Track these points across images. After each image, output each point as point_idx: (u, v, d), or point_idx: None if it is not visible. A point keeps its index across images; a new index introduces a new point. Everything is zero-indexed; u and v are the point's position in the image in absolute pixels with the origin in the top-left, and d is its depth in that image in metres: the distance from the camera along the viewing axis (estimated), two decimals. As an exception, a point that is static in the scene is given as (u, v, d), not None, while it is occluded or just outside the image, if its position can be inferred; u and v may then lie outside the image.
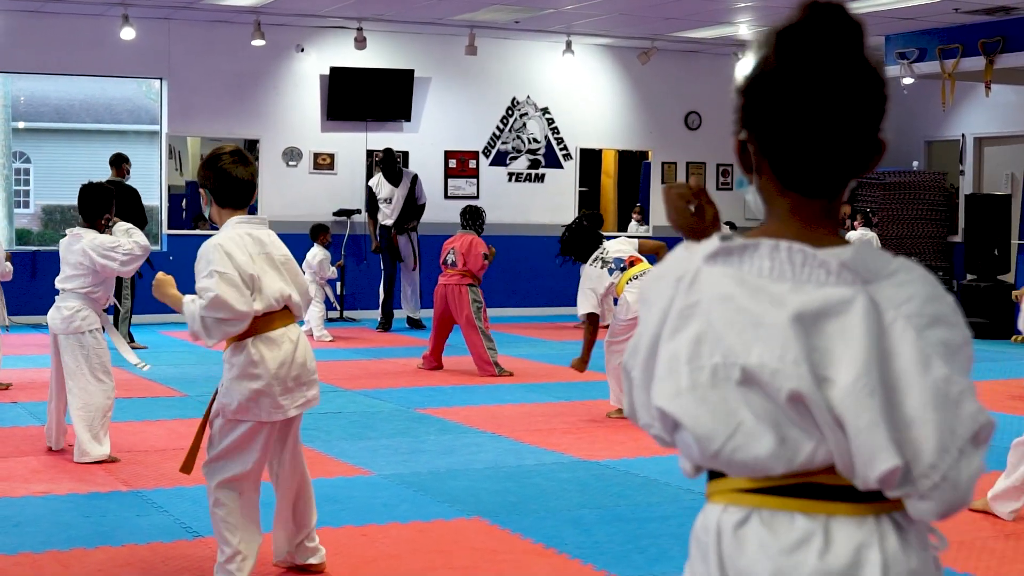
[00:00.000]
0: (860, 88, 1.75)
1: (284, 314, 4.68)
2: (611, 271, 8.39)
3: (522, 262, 16.81)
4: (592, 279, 8.44)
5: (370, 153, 16.05)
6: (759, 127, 1.80)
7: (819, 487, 1.75)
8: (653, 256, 8.61)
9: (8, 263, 9.78)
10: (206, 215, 4.78)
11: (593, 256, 8.53)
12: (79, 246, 7.03)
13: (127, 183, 12.60)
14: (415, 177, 14.58)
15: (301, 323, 5.21)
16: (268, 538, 5.01)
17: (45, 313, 13.56)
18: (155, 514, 5.93)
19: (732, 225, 16.36)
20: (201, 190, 4.75)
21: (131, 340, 12.55)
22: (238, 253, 4.56)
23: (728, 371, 1.74)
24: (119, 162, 12.79)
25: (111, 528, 5.68)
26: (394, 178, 14.42)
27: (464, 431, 8.20)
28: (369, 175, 15.84)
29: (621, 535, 5.64)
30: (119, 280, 12.37)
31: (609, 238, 8.83)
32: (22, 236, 24.54)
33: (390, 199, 14.39)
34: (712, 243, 1.81)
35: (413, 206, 14.48)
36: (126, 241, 7.08)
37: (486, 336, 10.82)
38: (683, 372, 1.77)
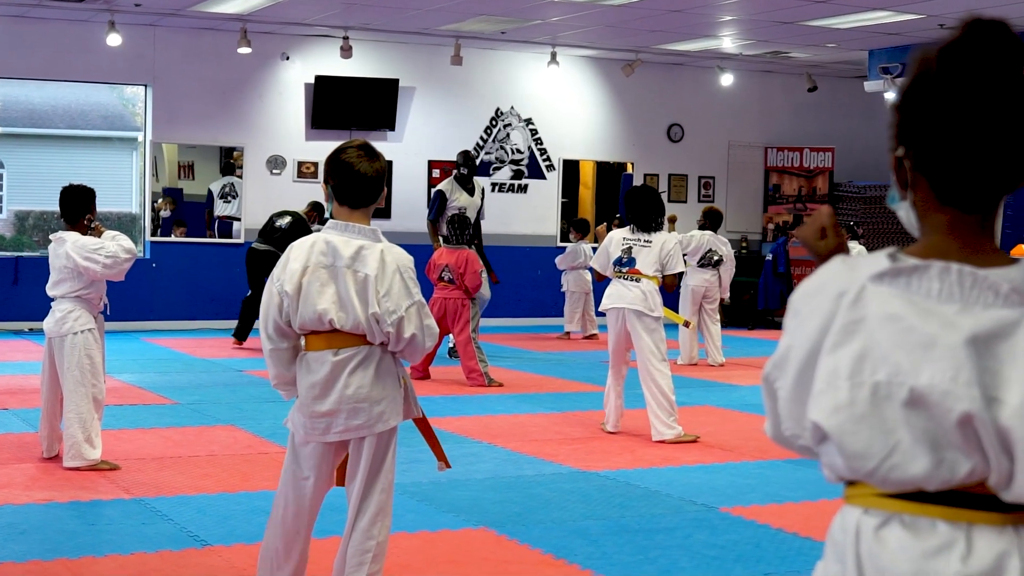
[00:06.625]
0: (1020, 103, 1.78)
1: (334, 336, 4.21)
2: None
3: (504, 273, 16.76)
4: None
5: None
6: (918, 141, 1.83)
7: (961, 495, 1.78)
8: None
9: None
10: (328, 214, 4.22)
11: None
12: (63, 250, 7.01)
13: (307, 221, 13.45)
14: (483, 191, 12.97)
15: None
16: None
17: (29, 319, 13.65)
18: (160, 522, 5.91)
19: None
20: (324, 185, 4.32)
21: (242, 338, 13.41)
22: (296, 261, 4.21)
23: (892, 390, 1.77)
24: (313, 208, 14.08)
25: (117, 536, 5.65)
26: (470, 188, 12.57)
27: (460, 441, 8.19)
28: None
29: (629, 546, 5.66)
30: (255, 279, 13.04)
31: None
32: (-4, 241, 24.41)
33: (464, 210, 12.17)
34: (880, 262, 1.84)
35: (479, 222, 12.70)
36: (110, 244, 7.06)
37: (479, 348, 10.87)
38: (843, 387, 1.80)
